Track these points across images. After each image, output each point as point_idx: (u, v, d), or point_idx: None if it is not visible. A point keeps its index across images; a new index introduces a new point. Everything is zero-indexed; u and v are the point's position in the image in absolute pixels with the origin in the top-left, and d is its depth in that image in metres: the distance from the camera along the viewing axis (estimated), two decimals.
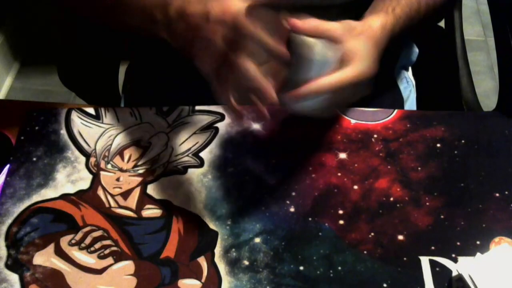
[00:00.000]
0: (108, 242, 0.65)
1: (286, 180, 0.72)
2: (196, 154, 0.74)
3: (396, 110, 0.79)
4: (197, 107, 0.78)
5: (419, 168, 0.73)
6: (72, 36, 0.97)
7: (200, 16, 0.63)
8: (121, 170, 0.72)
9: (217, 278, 0.63)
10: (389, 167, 0.73)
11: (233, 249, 0.65)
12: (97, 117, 0.77)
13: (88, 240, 0.65)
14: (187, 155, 0.74)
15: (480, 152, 0.75)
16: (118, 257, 0.64)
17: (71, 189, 0.70)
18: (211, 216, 0.68)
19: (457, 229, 0.67)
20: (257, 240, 0.66)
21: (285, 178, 0.72)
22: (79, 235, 0.66)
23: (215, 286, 0.62)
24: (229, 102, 0.63)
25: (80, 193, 0.70)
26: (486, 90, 1.75)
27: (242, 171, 0.72)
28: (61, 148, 0.74)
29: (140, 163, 0.73)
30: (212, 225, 0.67)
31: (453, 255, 0.65)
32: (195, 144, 0.75)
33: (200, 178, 0.72)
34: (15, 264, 0.64)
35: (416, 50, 0.97)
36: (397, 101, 0.92)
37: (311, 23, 0.62)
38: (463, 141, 0.76)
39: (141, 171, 0.72)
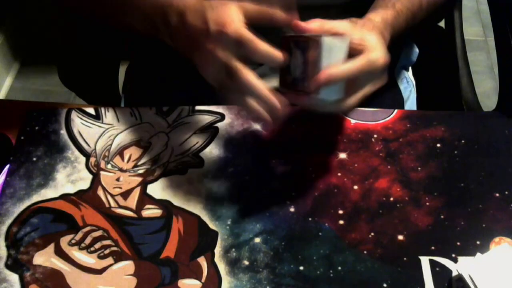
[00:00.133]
0: (108, 242, 0.65)
1: (286, 180, 0.72)
2: (196, 154, 0.74)
3: (396, 110, 0.79)
4: (197, 107, 0.78)
5: (419, 168, 0.73)
6: (72, 36, 0.97)
7: (198, 25, 0.63)
8: (121, 170, 0.72)
9: (217, 278, 0.63)
10: (389, 167, 0.73)
11: (233, 249, 0.65)
12: (97, 117, 0.77)
13: (88, 240, 0.65)
14: (187, 155, 0.74)
15: (480, 152, 0.75)
16: (118, 257, 0.64)
17: (71, 189, 0.70)
18: (211, 216, 0.68)
19: (457, 229, 0.67)
20: (257, 240, 0.66)
21: (285, 178, 0.72)
22: (79, 235, 0.66)
23: (215, 286, 0.62)
24: (242, 104, 0.63)
25: (80, 193, 0.70)
26: (486, 90, 1.75)
27: (242, 171, 0.72)
28: (61, 148, 0.74)
29: (140, 163, 0.73)
30: (212, 225, 0.67)
31: (453, 255, 0.65)
32: (195, 144, 0.75)
33: (200, 178, 0.72)
34: (15, 264, 0.64)
35: (416, 50, 0.98)
36: (397, 101, 0.92)
37: (315, 22, 0.62)
38: (463, 141, 0.76)
39: (141, 171, 0.72)
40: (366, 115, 0.78)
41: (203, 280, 0.63)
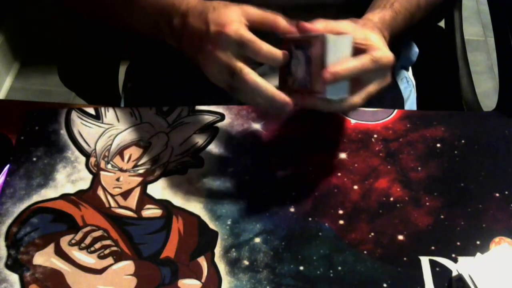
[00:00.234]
0: (108, 242, 0.65)
1: (286, 180, 0.72)
2: (196, 154, 0.74)
3: (396, 110, 0.79)
4: (197, 107, 0.78)
5: (419, 168, 0.73)
6: (72, 36, 0.97)
7: (199, 26, 0.63)
8: (121, 170, 0.72)
9: (217, 278, 0.63)
10: (389, 167, 0.73)
11: (233, 249, 0.65)
12: (97, 117, 0.77)
13: (88, 240, 0.65)
14: (187, 155, 0.74)
15: (480, 152, 0.75)
16: (118, 257, 0.64)
17: (71, 189, 0.70)
18: (211, 216, 0.68)
19: (457, 229, 0.67)
20: (257, 240, 0.66)
21: (285, 178, 0.72)
22: (79, 235, 0.66)
23: (215, 286, 0.62)
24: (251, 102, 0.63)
25: (80, 193, 0.70)
26: (486, 90, 1.75)
27: (242, 171, 0.72)
28: (61, 148, 0.74)
29: (140, 163, 0.73)
30: (212, 225, 0.67)
31: (453, 255, 0.65)
32: (195, 144, 0.75)
33: (200, 178, 0.71)
34: (15, 264, 0.64)
35: (416, 50, 0.98)
36: (397, 101, 0.92)
37: (320, 22, 0.62)
38: (463, 141, 0.76)
39: (141, 171, 0.72)
40: (366, 115, 0.78)
41: (203, 280, 0.63)
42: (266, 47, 0.61)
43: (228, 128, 0.76)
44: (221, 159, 0.73)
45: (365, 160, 0.73)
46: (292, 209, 0.69)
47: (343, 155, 0.74)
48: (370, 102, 0.77)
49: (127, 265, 0.64)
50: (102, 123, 0.77)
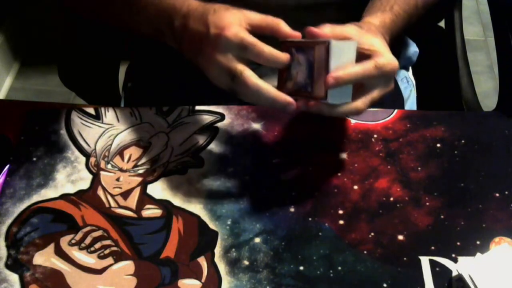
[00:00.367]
0: (108, 242, 0.65)
1: (286, 180, 0.72)
2: (196, 154, 0.74)
3: (396, 110, 0.79)
4: (197, 107, 0.78)
5: (419, 168, 0.73)
6: (72, 36, 0.97)
7: (200, 29, 0.63)
8: (121, 170, 0.72)
9: (217, 278, 0.63)
10: (389, 167, 0.73)
11: (233, 249, 0.65)
12: (97, 117, 0.77)
13: (88, 240, 0.65)
14: (187, 155, 0.74)
15: (480, 152, 0.75)
16: (118, 257, 0.64)
17: (71, 189, 0.70)
18: (211, 216, 0.68)
19: (457, 229, 0.67)
20: (257, 240, 0.66)
21: (285, 178, 0.72)
22: (79, 235, 0.66)
23: (215, 286, 0.62)
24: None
25: (80, 193, 0.70)
26: (486, 90, 1.75)
27: (242, 171, 0.72)
28: (61, 148, 0.74)
29: (140, 163, 0.73)
30: (212, 225, 0.67)
31: (453, 255, 0.65)
32: (195, 144, 0.75)
33: (200, 178, 0.71)
34: (15, 264, 0.64)
35: (416, 50, 0.98)
36: (398, 101, 0.92)
37: (326, 27, 0.62)
38: (463, 141, 0.76)
39: (141, 171, 0.72)
40: (366, 115, 0.78)
41: (203, 280, 0.63)
42: (268, 50, 0.61)
43: (228, 128, 0.76)
44: (221, 159, 0.73)
45: (365, 160, 0.73)
46: (292, 209, 0.69)
47: (343, 155, 0.74)
48: None
49: (127, 265, 0.64)
50: (102, 123, 0.77)
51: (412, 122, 0.78)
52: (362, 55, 0.62)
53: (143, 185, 0.71)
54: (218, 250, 0.65)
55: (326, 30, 0.62)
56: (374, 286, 0.62)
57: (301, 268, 0.64)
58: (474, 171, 0.72)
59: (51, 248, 0.65)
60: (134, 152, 0.74)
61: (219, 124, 0.77)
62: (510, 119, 0.78)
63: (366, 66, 0.61)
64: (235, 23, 0.62)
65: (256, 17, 0.63)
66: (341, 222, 0.68)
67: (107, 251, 0.65)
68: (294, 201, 0.69)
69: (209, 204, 0.69)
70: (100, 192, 0.70)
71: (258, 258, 0.65)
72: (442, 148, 0.75)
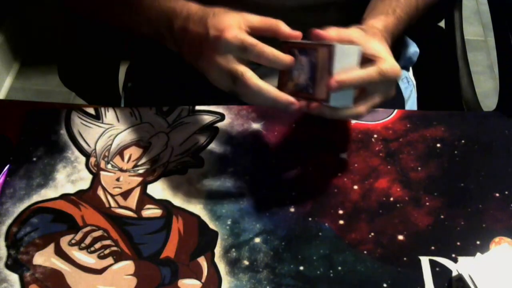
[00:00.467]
0: (108, 242, 0.65)
1: (286, 180, 0.72)
2: (196, 154, 0.74)
3: (396, 110, 0.79)
4: (197, 107, 0.78)
5: (419, 168, 0.73)
6: (72, 36, 0.97)
7: (199, 31, 0.64)
8: (121, 170, 0.72)
9: (217, 278, 0.63)
10: (389, 167, 0.73)
11: (233, 249, 0.65)
12: (97, 117, 0.77)
13: (88, 240, 0.65)
14: (187, 155, 0.74)
15: (480, 152, 0.75)
16: (118, 257, 0.64)
17: (71, 189, 0.70)
18: (211, 216, 0.68)
19: (457, 229, 0.67)
20: (257, 240, 0.66)
21: (285, 178, 0.72)
22: (79, 235, 0.66)
23: (215, 286, 0.62)
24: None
25: (80, 193, 0.70)
26: (486, 90, 1.75)
27: (242, 171, 0.72)
28: (61, 148, 0.74)
29: (140, 163, 0.73)
30: (212, 225, 0.67)
31: (453, 255, 0.65)
32: (195, 144, 0.75)
33: (200, 178, 0.71)
34: (15, 264, 0.64)
35: (416, 50, 0.98)
36: (398, 101, 0.92)
37: (333, 30, 0.62)
38: (463, 141, 0.76)
39: (141, 171, 0.72)
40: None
41: (203, 280, 0.63)
42: (269, 50, 0.61)
43: (228, 128, 0.76)
44: (221, 159, 0.73)
45: (365, 160, 0.73)
46: (292, 209, 0.69)
47: (343, 155, 0.74)
48: None
49: (127, 265, 0.64)
50: (102, 123, 0.77)
51: (412, 122, 0.78)
52: (365, 60, 0.62)
53: (143, 185, 0.71)
54: (218, 250, 0.65)
55: (331, 32, 0.62)
56: (374, 286, 0.62)
57: (301, 268, 0.64)
58: (474, 171, 0.72)
59: (51, 248, 0.65)
60: (134, 152, 0.74)
61: (219, 124, 0.77)
62: (510, 119, 0.78)
63: (369, 71, 0.61)
64: (235, 25, 0.62)
65: (256, 19, 0.63)
66: (341, 222, 0.68)
67: (107, 251, 0.65)
68: (294, 201, 0.69)
69: (209, 204, 0.69)
70: (100, 192, 0.70)
71: (258, 258, 0.65)
72: (442, 148, 0.75)
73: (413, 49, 0.97)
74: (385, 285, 0.63)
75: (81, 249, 0.65)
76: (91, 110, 0.78)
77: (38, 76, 1.91)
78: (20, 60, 1.97)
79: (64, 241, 0.65)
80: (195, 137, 0.75)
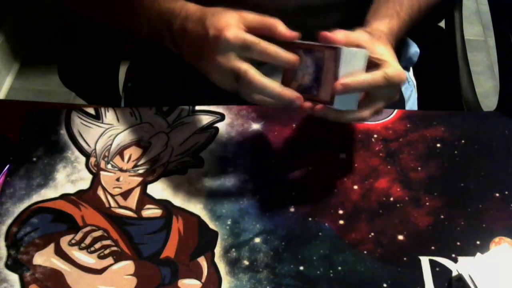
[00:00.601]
0: (108, 242, 0.65)
1: (286, 180, 0.72)
2: (196, 154, 0.74)
3: (396, 110, 0.79)
4: (197, 107, 0.78)
5: (419, 168, 0.73)
6: (72, 36, 0.97)
7: (199, 32, 0.64)
8: (121, 170, 0.72)
9: (217, 278, 0.63)
10: (389, 167, 0.73)
11: (233, 249, 0.65)
12: (97, 117, 0.77)
13: (88, 240, 0.65)
14: (187, 155, 0.74)
15: (480, 152, 0.75)
16: (118, 257, 0.64)
17: (71, 189, 0.70)
18: (211, 216, 0.68)
19: (457, 229, 0.67)
20: (257, 240, 0.66)
21: (285, 178, 0.72)
22: (79, 235, 0.66)
23: (215, 286, 0.62)
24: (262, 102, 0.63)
25: (80, 193, 0.70)
26: (486, 90, 1.75)
27: (242, 171, 0.72)
28: (61, 148, 0.74)
29: (140, 163, 0.73)
30: (212, 225, 0.67)
31: (453, 255, 0.65)
32: (195, 144, 0.75)
33: (200, 178, 0.71)
34: (15, 264, 0.64)
35: (417, 50, 0.98)
36: (398, 102, 0.92)
37: (340, 33, 0.62)
38: (463, 141, 0.76)
39: (141, 171, 0.72)
40: None
41: (203, 280, 0.63)
42: (273, 47, 0.61)
43: (228, 128, 0.76)
44: (221, 159, 0.73)
45: (365, 160, 0.73)
46: (292, 209, 0.69)
47: (343, 155, 0.74)
48: None
49: (127, 265, 0.64)
50: (102, 123, 0.77)
51: (412, 122, 0.77)
52: (370, 63, 0.62)
53: (143, 185, 0.71)
54: (218, 250, 0.65)
55: (339, 35, 0.62)
56: (374, 286, 0.62)
57: (301, 268, 0.64)
58: (474, 171, 0.72)
59: (51, 248, 0.65)
60: (134, 152, 0.74)
61: (219, 124, 0.77)
62: (510, 119, 0.78)
63: (375, 76, 0.61)
64: (233, 24, 0.62)
65: (253, 18, 0.63)
66: (341, 222, 0.68)
67: (107, 251, 0.65)
68: (294, 201, 0.69)
69: (209, 204, 0.69)
70: (100, 192, 0.70)
71: (258, 258, 0.65)
72: (442, 148, 0.75)
73: (414, 49, 0.97)
74: (385, 285, 0.63)
75: (81, 249, 0.65)
76: (91, 110, 0.78)
77: (38, 76, 1.91)
78: (20, 60, 1.97)
79: (64, 241, 0.65)
80: (195, 137, 0.75)
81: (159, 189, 0.70)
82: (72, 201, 0.69)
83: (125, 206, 0.69)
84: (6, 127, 0.76)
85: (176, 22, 0.67)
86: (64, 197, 0.69)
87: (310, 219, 0.68)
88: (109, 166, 0.72)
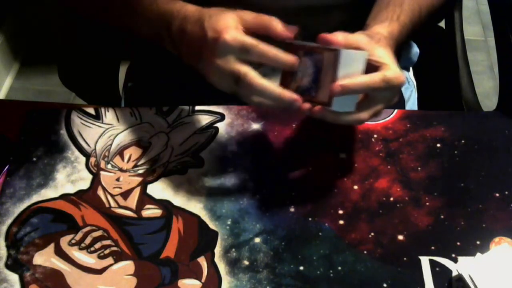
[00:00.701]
0: (108, 242, 0.65)
1: (286, 180, 0.72)
2: (196, 154, 0.74)
3: (396, 110, 0.79)
4: (197, 107, 0.78)
5: (419, 168, 0.73)
6: (72, 36, 0.97)
7: (197, 33, 0.63)
8: (121, 170, 0.72)
9: (217, 278, 0.63)
10: (389, 167, 0.73)
11: (233, 249, 0.65)
12: (97, 117, 0.77)
13: (88, 240, 0.65)
14: (187, 155, 0.74)
15: (480, 152, 0.75)
16: (118, 257, 0.64)
17: (71, 189, 0.70)
18: (211, 216, 0.68)
19: (457, 229, 0.67)
20: (257, 240, 0.66)
21: (285, 178, 0.72)
22: (79, 235, 0.66)
23: (215, 286, 0.62)
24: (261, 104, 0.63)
25: (80, 193, 0.70)
26: (486, 90, 1.75)
27: (242, 171, 0.72)
28: (61, 148, 0.74)
29: (140, 163, 0.73)
30: (212, 225, 0.67)
31: (453, 255, 0.65)
32: (195, 144, 0.75)
33: (200, 178, 0.72)
34: (15, 264, 0.64)
35: (417, 50, 0.98)
36: (398, 102, 0.92)
37: (339, 35, 0.62)
38: (463, 141, 0.76)
39: (141, 171, 0.72)
40: None
41: (203, 280, 0.63)
42: (271, 50, 0.61)
43: (228, 128, 0.76)
44: (221, 159, 0.73)
45: (365, 160, 0.73)
46: (292, 209, 0.69)
47: (343, 155, 0.74)
48: None
49: (127, 265, 0.64)
50: (102, 123, 0.77)
51: (412, 122, 0.78)
52: (369, 66, 0.62)
53: (143, 185, 0.71)
54: (218, 250, 0.65)
55: (339, 37, 0.61)
56: (374, 286, 0.63)
57: (301, 268, 0.64)
58: (474, 171, 0.72)
59: (51, 248, 0.65)
60: (134, 152, 0.74)
61: (219, 124, 0.77)
62: (510, 119, 0.78)
63: (373, 78, 0.61)
64: (232, 26, 0.61)
65: (250, 17, 0.63)
66: (341, 222, 0.68)
67: (107, 251, 0.65)
68: (294, 201, 0.69)
69: (209, 204, 0.69)
70: (100, 192, 0.70)
71: (258, 258, 0.65)
72: (442, 148, 0.75)
73: (414, 49, 0.97)
74: (385, 285, 0.63)
75: (81, 249, 0.65)
76: (91, 110, 0.78)
77: (38, 76, 1.91)
78: (20, 60, 1.97)
79: (64, 241, 0.65)
80: (195, 137, 0.75)
81: (159, 189, 0.70)
82: (72, 201, 0.69)
83: (125, 206, 0.69)
84: (6, 127, 0.76)
85: (175, 23, 0.67)
86: (64, 197, 0.69)
87: (310, 219, 0.68)
88: (109, 166, 0.72)
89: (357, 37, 0.64)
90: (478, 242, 0.66)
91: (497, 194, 0.70)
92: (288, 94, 0.61)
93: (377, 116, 0.66)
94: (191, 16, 0.65)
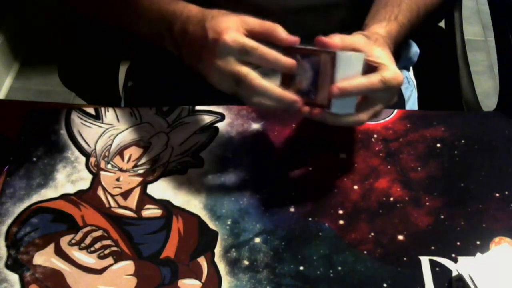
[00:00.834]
0: (108, 242, 0.65)
1: (286, 180, 0.72)
2: (196, 154, 0.74)
3: (396, 110, 0.79)
4: (197, 107, 0.78)
5: (419, 168, 0.73)
6: (72, 36, 0.97)
7: (198, 34, 0.63)
8: (121, 170, 0.72)
9: (217, 278, 0.63)
10: (389, 167, 0.73)
11: (233, 249, 0.65)
12: (97, 117, 0.77)
13: (88, 240, 0.65)
14: (187, 155, 0.74)
15: (480, 152, 0.75)
16: (118, 257, 0.64)
17: (71, 189, 0.70)
18: (211, 216, 0.68)
19: (457, 229, 0.67)
20: (257, 240, 0.66)
21: (285, 178, 0.72)
22: (79, 235, 0.66)
23: (215, 286, 0.62)
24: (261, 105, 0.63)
25: (80, 193, 0.70)
26: (486, 90, 1.75)
27: (242, 171, 0.72)
28: (61, 148, 0.74)
29: (140, 163, 0.73)
30: (212, 225, 0.67)
31: (453, 255, 0.65)
32: (195, 144, 0.75)
33: (200, 178, 0.72)
34: (15, 264, 0.64)
35: (417, 50, 0.98)
36: (398, 102, 0.92)
37: (336, 37, 0.62)
38: (463, 141, 0.76)
39: (141, 171, 0.72)
40: None
41: (203, 280, 0.63)
42: (271, 53, 0.61)
43: (228, 128, 0.76)
44: (221, 159, 0.73)
45: (365, 160, 0.73)
46: (292, 209, 0.69)
47: (343, 155, 0.74)
48: None
49: (127, 265, 0.64)
50: (102, 123, 0.77)
51: (412, 122, 0.78)
52: (367, 66, 0.62)
53: (143, 185, 0.71)
54: (218, 250, 0.65)
55: (335, 39, 0.61)
56: (374, 286, 0.62)
57: (301, 268, 0.64)
58: (474, 171, 0.72)
59: (51, 248, 0.65)
60: (134, 152, 0.74)
61: (219, 124, 0.77)
62: (510, 119, 0.78)
63: (371, 79, 0.61)
64: (233, 27, 0.61)
65: (254, 22, 0.63)
66: (341, 222, 0.68)
67: (107, 251, 0.65)
68: (294, 201, 0.69)
69: (209, 204, 0.69)
70: (100, 192, 0.70)
71: (258, 258, 0.65)
72: (442, 148, 0.75)
73: (413, 49, 0.97)
74: (385, 285, 0.63)
75: (81, 249, 0.65)
76: (91, 110, 0.78)
77: (38, 76, 1.91)
78: (20, 60, 1.97)
79: (64, 241, 0.65)
80: (195, 137, 0.75)
81: (159, 189, 0.70)
82: (72, 201, 0.69)
83: (125, 206, 0.69)
84: (6, 127, 0.76)
85: (177, 24, 0.67)
86: (64, 197, 0.69)
87: (310, 219, 0.68)
88: (109, 166, 0.72)
89: (354, 39, 0.64)
90: (478, 242, 0.66)
91: (497, 194, 0.70)
92: (288, 95, 0.61)
93: (377, 116, 0.66)
94: (193, 17, 0.65)
